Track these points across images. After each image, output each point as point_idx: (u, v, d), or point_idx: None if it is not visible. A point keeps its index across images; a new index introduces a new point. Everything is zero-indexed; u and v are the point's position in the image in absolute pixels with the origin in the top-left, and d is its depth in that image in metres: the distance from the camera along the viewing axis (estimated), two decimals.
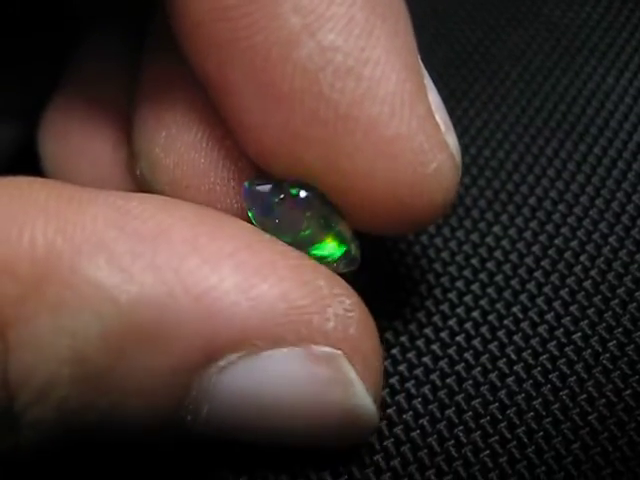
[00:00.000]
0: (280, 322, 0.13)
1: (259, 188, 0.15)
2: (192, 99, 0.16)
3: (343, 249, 0.15)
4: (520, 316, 0.17)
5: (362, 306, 0.14)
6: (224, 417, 0.14)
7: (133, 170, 0.17)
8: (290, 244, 0.14)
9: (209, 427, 0.14)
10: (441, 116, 0.15)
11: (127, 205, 0.13)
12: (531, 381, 0.16)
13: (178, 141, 0.16)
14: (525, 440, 0.15)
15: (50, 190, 0.13)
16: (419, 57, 0.15)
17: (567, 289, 0.17)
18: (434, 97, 0.15)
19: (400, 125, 0.14)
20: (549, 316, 0.17)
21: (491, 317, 0.17)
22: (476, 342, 0.17)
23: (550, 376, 0.16)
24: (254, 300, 0.13)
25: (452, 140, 0.15)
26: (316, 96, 0.14)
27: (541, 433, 0.15)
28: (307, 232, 0.15)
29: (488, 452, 0.15)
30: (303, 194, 0.14)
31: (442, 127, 0.14)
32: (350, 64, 0.13)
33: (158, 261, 0.12)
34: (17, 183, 0.13)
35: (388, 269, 0.19)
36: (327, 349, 0.13)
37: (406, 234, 0.19)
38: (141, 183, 0.17)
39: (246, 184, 0.15)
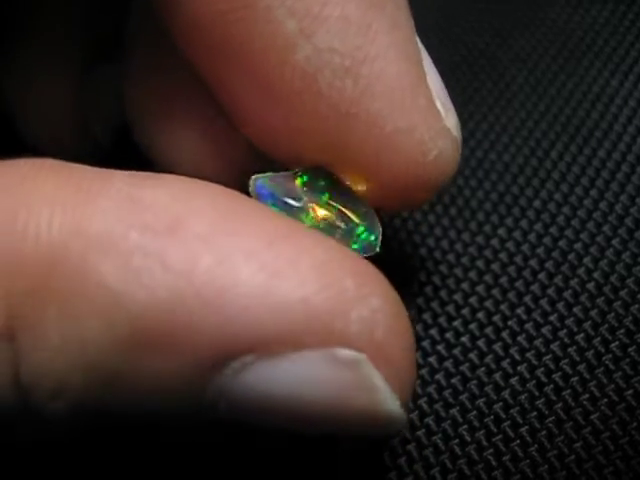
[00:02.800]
0: (299, 327, 0.12)
1: (279, 177, 0.15)
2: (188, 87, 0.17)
3: (369, 234, 0.15)
4: (524, 317, 0.17)
5: (392, 302, 0.13)
6: (243, 414, 0.13)
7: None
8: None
9: (226, 419, 0.13)
10: (441, 100, 0.15)
11: (139, 193, 0.12)
12: (534, 381, 0.16)
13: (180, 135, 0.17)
14: (528, 439, 0.16)
15: (57, 177, 0.12)
16: (418, 41, 0.15)
17: (570, 291, 0.17)
18: (434, 80, 0.15)
19: (400, 119, 0.14)
20: (552, 317, 0.17)
21: (495, 318, 0.17)
22: (481, 343, 0.17)
23: (553, 376, 0.16)
24: (272, 304, 0.12)
25: (452, 121, 0.15)
26: (315, 96, 0.14)
27: (544, 432, 0.16)
28: (330, 217, 0.15)
29: (492, 450, 0.16)
30: (322, 181, 0.15)
31: (442, 112, 0.15)
32: (347, 64, 0.14)
33: (169, 261, 0.12)
34: (21, 168, 0.12)
35: (394, 271, 0.19)
36: (350, 353, 0.12)
37: (403, 211, 0.20)
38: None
39: (255, 178, 0.14)
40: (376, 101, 0.14)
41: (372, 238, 0.15)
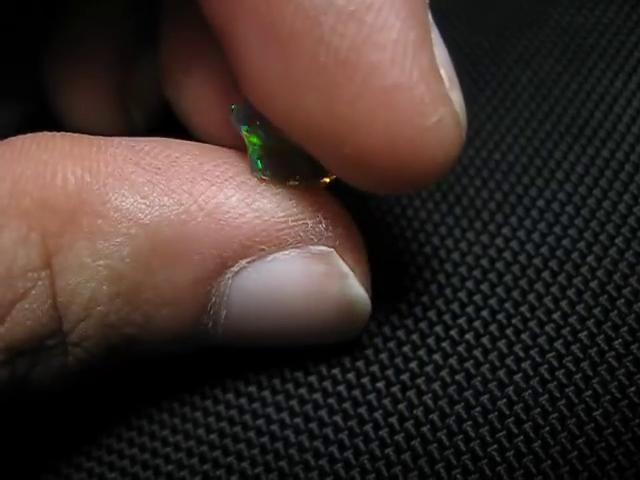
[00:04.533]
0: (280, 227, 0.15)
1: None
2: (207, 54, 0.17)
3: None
4: (528, 315, 0.18)
5: (344, 212, 0.16)
6: (240, 319, 0.16)
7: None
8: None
9: (228, 332, 0.16)
10: (447, 71, 0.14)
11: (139, 145, 0.15)
12: (538, 378, 0.16)
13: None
14: (532, 435, 0.16)
15: (72, 139, 0.15)
16: (429, 12, 0.14)
17: (574, 289, 0.18)
18: (441, 52, 0.14)
19: (400, 74, 0.13)
20: (556, 315, 0.17)
21: (500, 316, 0.18)
22: (485, 340, 0.17)
23: (556, 373, 0.16)
24: (257, 211, 0.15)
25: (457, 96, 0.14)
26: (316, 40, 0.13)
27: (547, 428, 0.16)
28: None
29: (496, 446, 0.16)
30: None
31: (446, 82, 0.14)
32: (352, 8, 0.13)
33: (172, 186, 0.15)
34: (41, 137, 0.15)
35: (399, 270, 0.19)
36: (322, 247, 0.16)
37: (403, 193, 0.20)
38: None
39: (234, 106, 0.16)
40: (377, 51, 0.13)
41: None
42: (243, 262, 0.15)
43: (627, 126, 0.21)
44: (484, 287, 0.18)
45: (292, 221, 0.15)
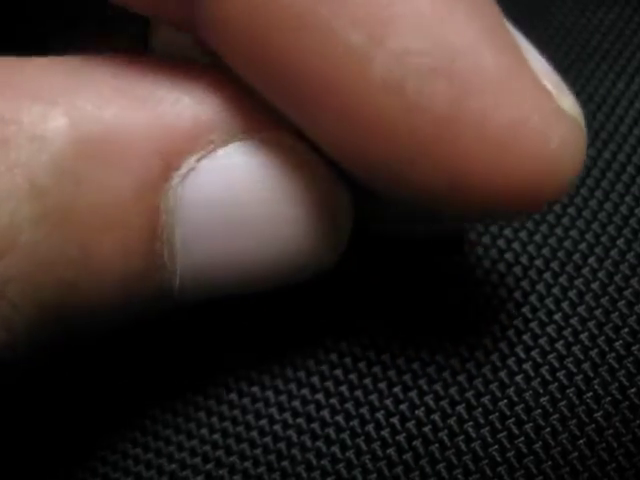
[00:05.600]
0: (226, 111, 0.13)
1: None
2: None
3: None
4: (529, 316, 0.18)
5: None
6: (200, 240, 0.13)
7: None
8: None
9: (188, 264, 0.13)
10: (550, 80, 0.13)
11: (63, 56, 0.13)
12: (539, 379, 0.17)
13: None
14: (532, 436, 0.16)
15: None
16: (509, 26, 0.13)
17: (575, 290, 0.18)
18: (535, 60, 0.13)
19: (511, 110, 0.12)
20: (557, 316, 0.17)
21: (501, 317, 0.18)
22: (487, 341, 0.17)
23: (557, 374, 0.17)
24: (197, 97, 0.13)
25: (568, 101, 0.13)
26: (406, 110, 0.12)
27: (548, 429, 0.16)
28: None
29: (497, 447, 0.16)
30: None
31: (553, 93, 0.13)
32: (435, 64, 0.12)
33: (93, 80, 0.13)
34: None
35: (398, 270, 0.19)
36: (277, 132, 0.13)
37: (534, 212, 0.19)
38: None
39: None
40: (478, 98, 0.12)
41: None
42: (191, 160, 0.13)
43: (629, 128, 0.21)
44: (486, 288, 0.18)
45: (234, 102, 0.13)
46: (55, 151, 0.12)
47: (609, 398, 0.16)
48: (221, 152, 0.13)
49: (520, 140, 0.12)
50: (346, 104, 0.12)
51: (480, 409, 0.16)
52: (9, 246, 0.11)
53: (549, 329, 0.17)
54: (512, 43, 0.13)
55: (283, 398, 0.18)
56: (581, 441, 0.16)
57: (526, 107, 0.12)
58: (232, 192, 0.13)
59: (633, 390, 0.16)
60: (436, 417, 0.17)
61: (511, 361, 0.17)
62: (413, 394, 0.17)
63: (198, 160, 0.13)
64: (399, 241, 0.19)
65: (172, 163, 0.13)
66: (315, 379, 0.18)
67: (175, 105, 0.13)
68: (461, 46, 0.12)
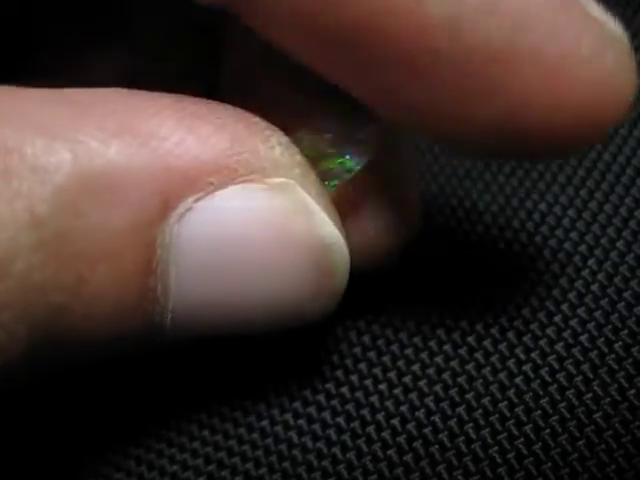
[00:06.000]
0: (229, 154, 0.13)
1: None
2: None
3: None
4: (529, 318, 0.18)
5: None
6: (194, 279, 0.13)
7: None
8: None
9: (181, 302, 0.13)
10: (595, 9, 0.13)
11: (62, 90, 0.13)
12: (539, 380, 0.17)
13: None
14: (532, 437, 0.16)
15: None
16: None
17: (575, 292, 0.18)
18: None
19: (562, 44, 0.12)
20: (557, 318, 0.17)
21: (502, 319, 0.18)
22: (487, 343, 0.18)
23: (557, 376, 0.17)
24: (198, 136, 0.13)
25: (615, 28, 0.13)
26: (462, 49, 0.12)
27: (548, 430, 0.16)
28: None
29: (497, 448, 0.16)
30: None
31: (600, 19, 0.13)
32: (485, 1, 0.12)
33: (99, 116, 0.13)
34: None
35: (398, 271, 0.19)
36: (280, 179, 0.13)
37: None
38: None
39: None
40: (530, 34, 0.12)
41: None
42: (189, 201, 0.13)
43: (629, 129, 0.21)
44: (486, 289, 0.18)
45: (241, 146, 0.13)
46: (57, 184, 0.12)
47: (608, 399, 0.16)
48: (220, 194, 0.13)
49: (576, 65, 0.12)
50: (404, 46, 0.12)
51: (480, 410, 0.17)
52: (4, 272, 0.12)
53: (549, 331, 0.17)
54: None
55: (284, 399, 0.18)
56: (581, 442, 0.16)
57: (577, 34, 0.12)
58: (227, 234, 0.13)
59: (632, 391, 0.16)
60: (436, 419, 0.17)
61: (511, 362, 0.17)
62: (413, 395, 0.17)
63: (196, 201, 0.13)
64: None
65: (170, 202, 0.13)
66: (317, 380, 0.18)
67: (178, 145, 0.13)
68: None
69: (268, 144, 0.13)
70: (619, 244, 0.18)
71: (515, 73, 0.12)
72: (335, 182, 0.15)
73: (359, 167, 0.15)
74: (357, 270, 0.15)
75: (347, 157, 0.15)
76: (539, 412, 0.16)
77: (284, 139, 0.14)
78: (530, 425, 0.16)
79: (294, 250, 0.13)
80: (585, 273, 0.18)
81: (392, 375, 0.18)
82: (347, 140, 0.15)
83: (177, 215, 0.13)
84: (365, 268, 0.16)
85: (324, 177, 0.15)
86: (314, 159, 0.15)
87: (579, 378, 0.16)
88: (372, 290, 0.19)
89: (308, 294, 0.14)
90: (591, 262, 0.18)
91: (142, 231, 0.13)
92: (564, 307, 0.18)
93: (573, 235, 0.19)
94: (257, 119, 0.14)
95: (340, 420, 0.17)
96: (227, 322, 0.14)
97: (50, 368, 0.14)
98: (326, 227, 0.14)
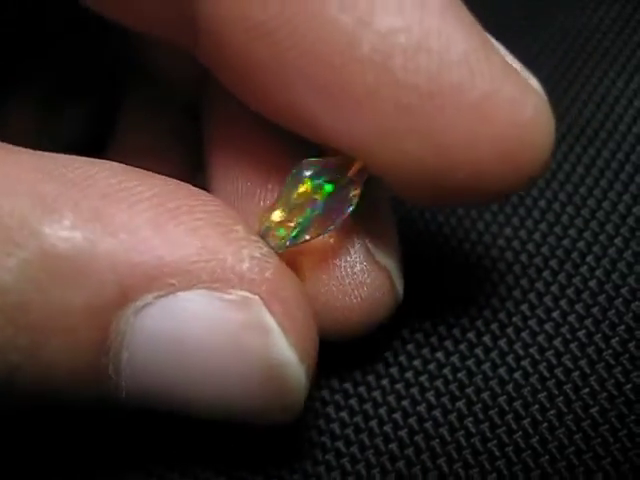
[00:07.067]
0: (194, 260, 0.13)
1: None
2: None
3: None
4: (528, 314, 0.18)
5: (279, 260, 0.14)
6: (145, 368, 0.13)
7: None
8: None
9: (132, 383, 0.14)
10: (514, 62, 0.14)
11: (56, 156, 0.14)
12: (537, 375, 0.17)
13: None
14: (530, 431, 0.16)
15: None
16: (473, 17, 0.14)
17: (573, 288, 0.18)
18: (501, 48, 0.14)
19: (484, 83, 0.13)
20: (555, 314, 0.18)
21: (501, 315, 0.18)
22: (486, 338, 0.18)
23: (555, 371, 0.17)
24: (167, 237, 0.13)
25: (534, 81, 0.14)
26: (393, 85, 0.13)
27: (545, 424, 0.16)
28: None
29: (495, 442, 0.16)
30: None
31: (520, 71, 0.14)
32: (415, 41, 0.13)
33: (78, 199, 0.13)
34: None
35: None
36: (243, 292, 0.13)
37: (509, 196, 0.19)
38: None
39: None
40: (454, 71, 0.13)
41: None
42: (149, 297, 0.13)
43: (628, 126, 0.21)
44: (486, 286, 0.19)
45: (208, 254, 0.13)
46: (23, 258, 0.12)
47: (605, 394, 0.16)
48: (181, 296, 0.13)
49: (497, 108, 0.13)
50: (338, 83, 0.13)
51: (480, 405, 0.17)
52: None
53: (547, 326, 0.18)
54: (480, 29, 0.14)
55: None
56: (577, 436, 0.16)
57: (498, 78, 0.13)
58: (182, 335, 0.13)
59: (629, 386, 0.16)
60: (437, 413, 0.17)
61: (510, 358, 0.17)
62: (415, 390, 0.18)
63: (156, 298, 0.13)
64: None
65: (129, 294, 0.13)
66: (320, 377, 0.18)
67: (144, 243, 0.13)
68: (437, 27, 0.13)
69: (238, 256, 0.13)
70: (617, 240, 0.19)
71: (440, 108, 0.13)
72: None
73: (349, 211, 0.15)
74: (332, 340, 0.16)
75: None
76: (537, 406, 0.17)
77: (260, 251, 0.14)
78: (528, 419, 0.16)
79: (244, 364, 0.13)
80: (583, 269, 0.18)
81: (393, 371, 0.18)
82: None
83: (135, 307, 0.13)
84: (341, 338, 0.17)
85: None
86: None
87: (576, 373, 0.17)
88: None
89: (258, 407, 0.14)
90: (589, 258, 0.19)
91: (97, 315, 0.13)
92: (562, 303, 0.18)
93: (571, 232, 0.19)
94: (237, 226, 0.14)
95: (344, 414, 0.18)
96: (180, 410, 0.14)
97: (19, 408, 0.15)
98: (280, 348, 0.13)
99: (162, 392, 0.14)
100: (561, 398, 0.17)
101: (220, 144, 0.18)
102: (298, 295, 0.14)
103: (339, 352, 0.18)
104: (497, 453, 0.16)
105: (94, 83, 0.22)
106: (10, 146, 0.14)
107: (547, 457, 0.16)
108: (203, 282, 0.13)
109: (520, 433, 0.16)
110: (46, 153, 0.14)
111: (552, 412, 0.16)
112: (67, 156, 0.14)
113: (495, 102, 0.13)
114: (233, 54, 0.14)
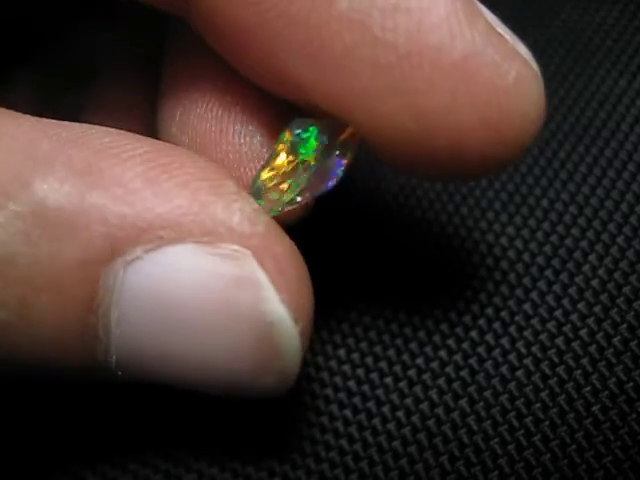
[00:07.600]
0: (184, 212, 0.13)
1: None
2: (204, 76, 0.16)
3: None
4: (530, 312, 0.18)
5: (270, 218, 0.14)
6: (135, 326, 0.13)
7: None
8: None
9: (122, 346, 0.13)
10: (503, 30, 0.14)
11: (54, 120, 0.14)
12: (539, 374, 0.17)
13: (191, 115, 0.16)
14: (532, 429, 0.16)
15: None
16: None
17: (575, 287, 0.18)
18: (489, 15, 0.14)
19: (464, 44, 0.13)
20: (557, 313, 0.18)
21: (503, 313, 0.18)
22: (489, 337, 0.18)
23: (557, 369, 0.17)
24: (158, 189, 0.13)
25: (522, 48, 0.14)
26: (371, 44, 0.13)
27: (547, 422, 0.16)
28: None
29: (497, 440, 0.16)
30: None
31: (507, 37, 0.14)
32: (394, 1, 0.13)
33: (71, 153, 0.13)
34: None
35: (401, 267, 0.20)
36: (234, 246, 0.13)
37: (495, 171, 0.19)
38: None
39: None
40: (434, 32, 0.13)
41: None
42: (138, 250, 0.13)
43: (630, 126, 0.21)
44: (489, 285, 0.19)
45: (199, 206, 0.13)
46: (13, 210, 0.12)
47: (607, 392, 0.17)
48: (170, 250, 0.13)
49: (477, 71, 0.13)
50: (316, 43, 0.13)
51: (482, 403, 0.17)
52: None
53: (549, 325, 0.18)
54: None
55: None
56: (579, 434, 0.16)
57: (480, 41, 0.13)
58: (171, 291, 0.13)
59: (630, 385, 0.16)
60: (439, 411, 0.17)
61: (512, 357, 0.18)
62: (417, 388, 0.18)
63: (146, 251, 0.13)
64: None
65: (118, 248, 0.13)
66: (324, 374, 0.18)
67: (134, 194, 0.13)
68: None
69: (229, 209, 0.13)
70: (619, 239, 0.19)
71: (418, 68, 0.13)
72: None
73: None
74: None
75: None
76: (539, 405, 0.17)
77: (251, 207, 0.13)
78: (530, 417, 0.17)
79: (235, 321, 0.13)
80: (586, 268, 0.19)
81: (397, 369, 0.18)
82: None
83: (124, 262, 0.13)
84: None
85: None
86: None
87: (578, 372, 0.17)
88: (376, 287, 0.19)
89: (248, 369, 0.13)
90: (592, 257, 0.19)
91: (86, 269, 0.13)
92: (565, 302, 0.18)
93: (574, 231, 0.19)
94: (228, 181, 0.14)
95: (347, 412, 0.18)
96: (170, 374, 0.14)
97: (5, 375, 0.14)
98: (272, 304, 0.13)
99: (152, 356, 0.13)
100: (563, 396, 0.17)
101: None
102: (291, 252, 0.14)
103: (345, 348, 0.19)
104: (499, 451, 0.16)
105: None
106: (10, 111, 0.13)
107: (549, 455, 0.16)
108: (193, 235, 0.13)
109: (522, 431, 0.16)
110: (45, 119, 0.14)
111: (554, 410, 0.17)
112: (65, 122, 0.14)
113: (475, 65, 0.13)
114: (222, 22, 0.14)
